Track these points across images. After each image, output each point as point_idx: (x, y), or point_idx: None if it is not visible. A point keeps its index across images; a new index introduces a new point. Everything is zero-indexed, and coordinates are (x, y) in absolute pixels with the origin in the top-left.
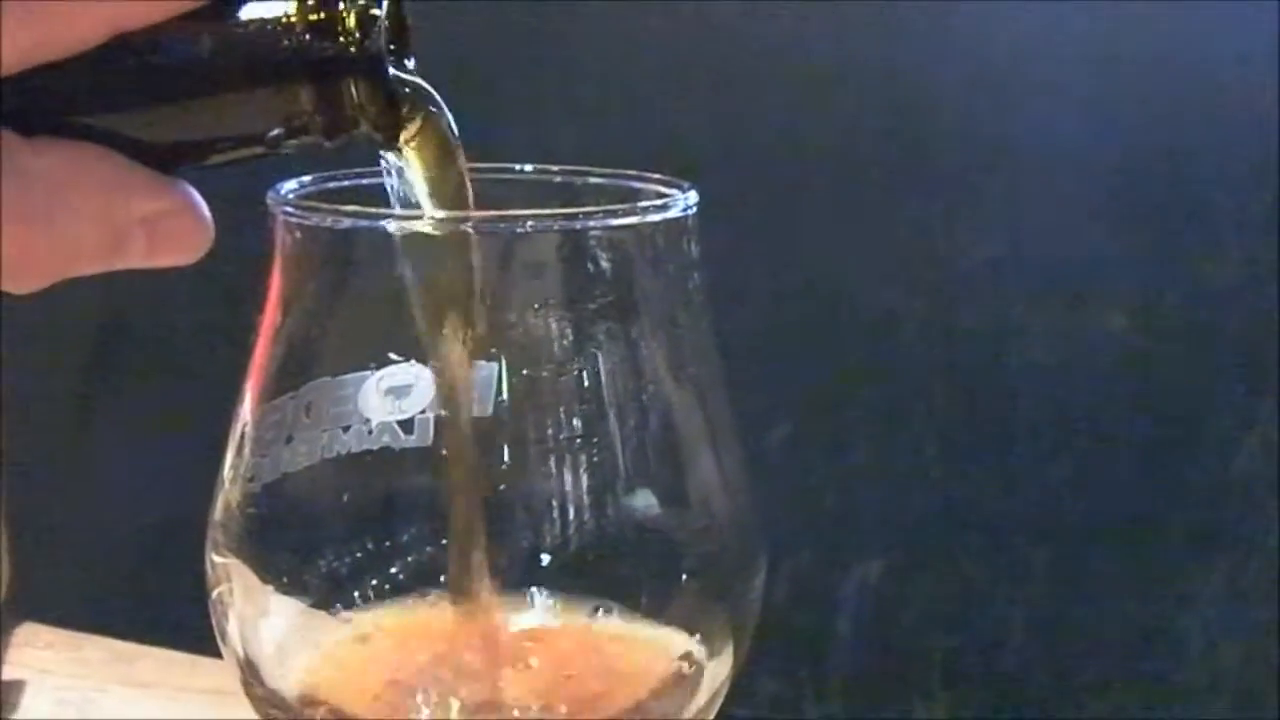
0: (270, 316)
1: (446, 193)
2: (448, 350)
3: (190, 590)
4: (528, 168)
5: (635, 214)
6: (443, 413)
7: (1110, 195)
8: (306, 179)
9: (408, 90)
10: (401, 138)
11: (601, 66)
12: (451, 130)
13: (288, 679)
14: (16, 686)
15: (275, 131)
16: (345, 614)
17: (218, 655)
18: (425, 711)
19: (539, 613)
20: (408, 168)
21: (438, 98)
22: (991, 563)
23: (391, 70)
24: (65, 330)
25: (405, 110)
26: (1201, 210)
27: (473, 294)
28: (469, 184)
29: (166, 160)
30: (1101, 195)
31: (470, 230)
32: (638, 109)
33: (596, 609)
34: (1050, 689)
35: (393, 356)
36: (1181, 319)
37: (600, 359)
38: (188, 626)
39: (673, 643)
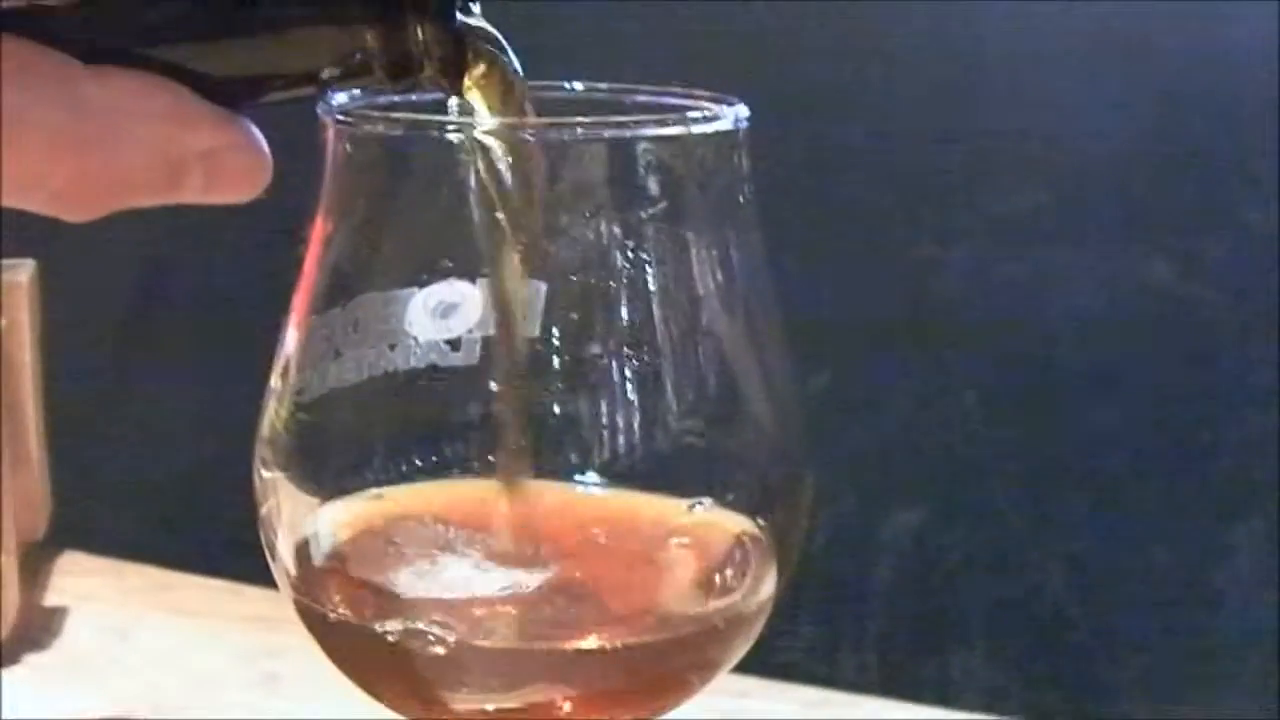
0: (319, 230)
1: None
2: (503, 263)
3: (231, 522)
4: (577, 85)
5: (687, 123)
6: (492, 330)
7: (1152, 142)
8: (357, 93)
9: (473, 34)
10: (465, 81)
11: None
12: (516, 74)
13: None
14: (59, 613)
15: (337, 71)
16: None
17: (259, 584)
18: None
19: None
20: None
21: (502, 41)
22: (1030, 512)
23: (457, 14)
24: (109, 265)
25: (470, 54)
26: (1244, 157)
27: (532, 205)
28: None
29: (228, 95)
30: (1143, 142)
31: (524, 137)
32: (678, 53)
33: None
34: (1088, 639)
35: (445, 267)
36: (1224, 267)
37: (650, 269)
38: (229, 558)
39: (729, 524)
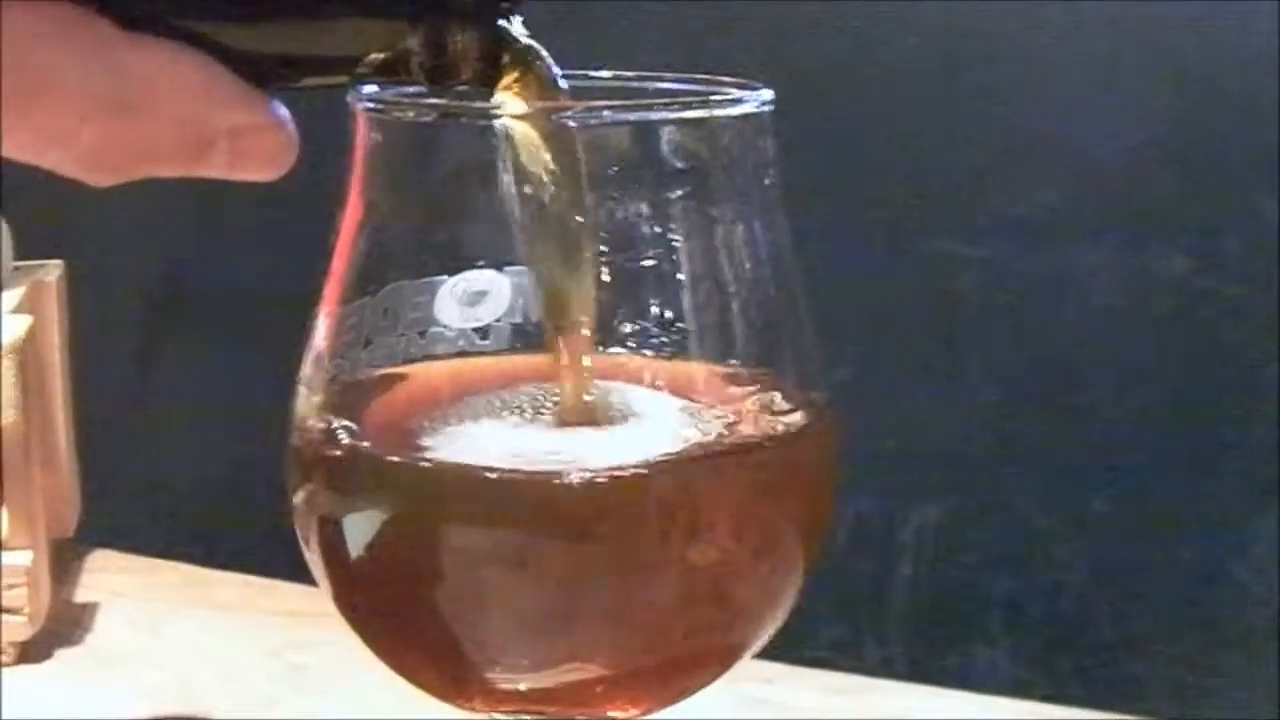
0: (349, 219)
1: (549, 141)
2: (551, 252)
3: (259, 518)
4: (604, 73)
5: (712, 106)
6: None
7: (1169, 139)
8: (385, 84)
9: (512, 42)
10: (500, 85)
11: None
12: (554, 82)
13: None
14: (89, 608)
15: (373, 64)
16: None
17: (286, 579)
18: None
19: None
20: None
21: (541, 51)
22: (1051, 507)
23: (499, 21)
24: (136, 263)
25: (505, 61)
26: (1259, 152)
27: (578, 189)
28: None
29: (261, 74)
30: (1160, 139)
31: (553, 122)
32: (703, 47)
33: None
34: (1110, 633)
35: (473, 255)
36: (1243, 261)
37: (678, 249)
38: (257, 554)
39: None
